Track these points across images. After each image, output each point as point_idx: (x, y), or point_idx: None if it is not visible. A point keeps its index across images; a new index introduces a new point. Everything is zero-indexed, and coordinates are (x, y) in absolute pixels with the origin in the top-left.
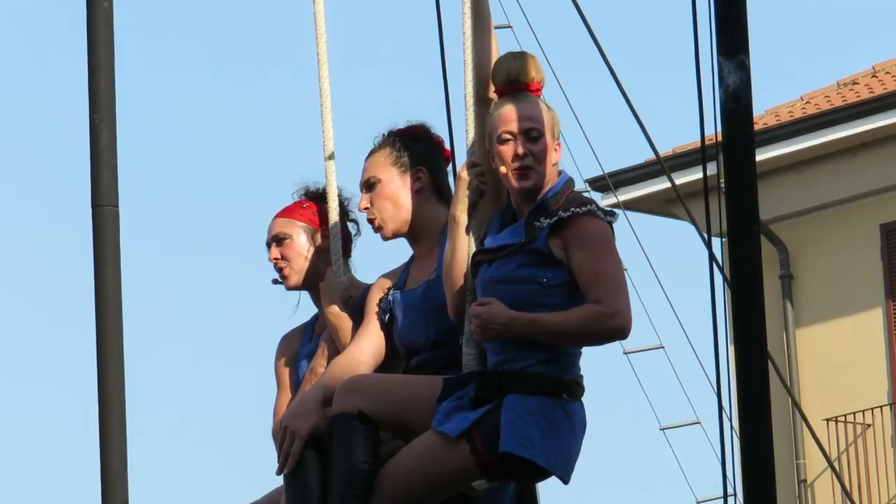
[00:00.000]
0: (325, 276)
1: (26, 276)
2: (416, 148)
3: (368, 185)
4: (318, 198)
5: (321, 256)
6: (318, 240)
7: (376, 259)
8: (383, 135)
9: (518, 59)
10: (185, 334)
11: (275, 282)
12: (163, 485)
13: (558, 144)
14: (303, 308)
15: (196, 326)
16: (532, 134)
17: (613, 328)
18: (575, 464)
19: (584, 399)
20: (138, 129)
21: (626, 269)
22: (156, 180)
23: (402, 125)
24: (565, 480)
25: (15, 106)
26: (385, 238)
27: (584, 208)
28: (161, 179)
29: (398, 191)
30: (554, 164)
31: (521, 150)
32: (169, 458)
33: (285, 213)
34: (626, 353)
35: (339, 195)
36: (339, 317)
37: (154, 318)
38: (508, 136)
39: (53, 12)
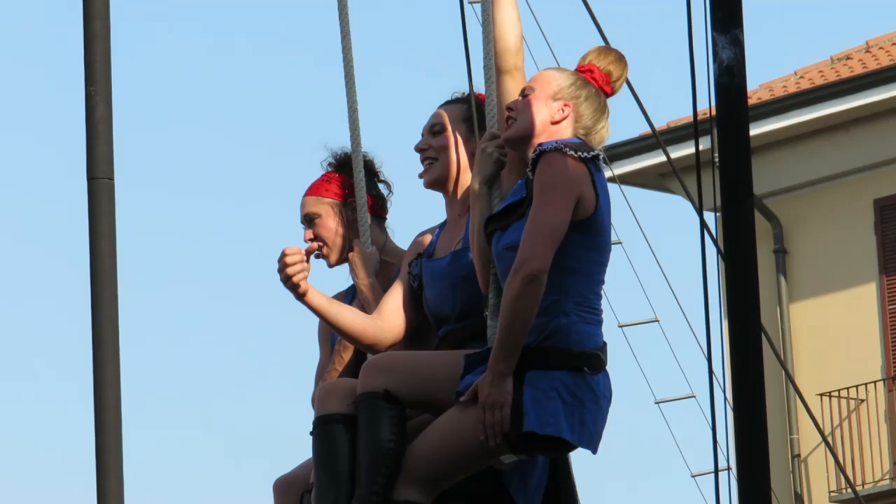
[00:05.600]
0: (354, 247)
1: (21, 248)
2: (483, 117)
3: (434, 131)
4: (343, 166)
5: (354, 228)
6: (348, 213)
7: (413, 218)
8: (464, 93)
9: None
10: (181, 309)
11: (317, 256)
12: (158, 466)
13: (564, 105)
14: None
15: (194, 299)
16: (524, 92)
17: (523, 283)
18: (601, 435)
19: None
20: (134, 102)
21: (620, 243)
22: (152, 153)
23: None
24: (593, 451)
25: (10, 78)
26: (426, 183)
27: (552, 145)
28: (157, 152)
29: (457, 145)
30: (554, 123)
31: (510, 104)
32: (164, 441)
33: (312, 190)
34: (620, 327)
35: (364, 157)
36: (370, 288)
37: (150, 290)
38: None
39: None
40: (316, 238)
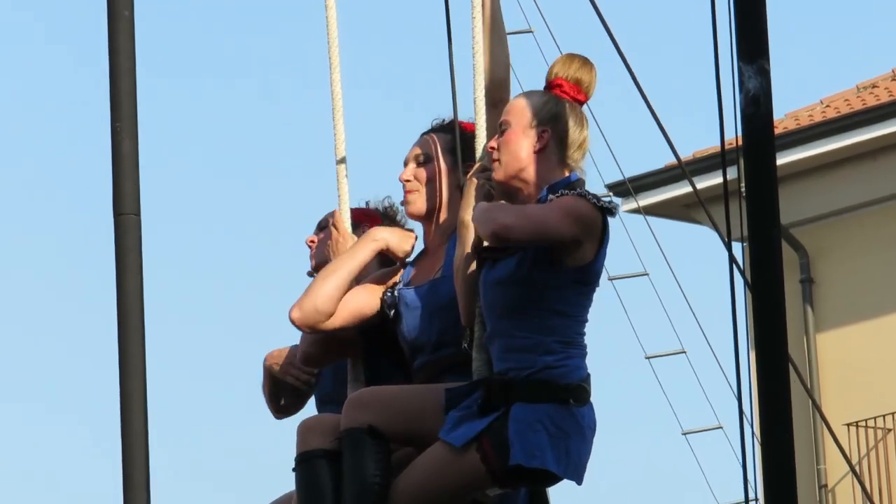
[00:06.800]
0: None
1: (48, 284)
2: (467, 146)
3: (419, 160)
4: (384, 215)
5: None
6: None
7: None
8: (445, 120)
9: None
10: (208, 345)
11: (310, 274)
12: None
13: (543, 132)
14: None
15: (220, 336)
16: (501, 126)
17: (489, 232)
18: (586, 465)
19: (594, 401)
20: (160, 137)
21: (646, 274)
22: (179, 188)
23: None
24: (578, 482)
25: (37, 114)
26: (409, 215)
27: (572, 192)
28: (184, 187)
29: (444, 176)
30: (537, 152)
31: (491, 143)
32: (193, 469)
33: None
34: (647, 358)
35: (392, 207)
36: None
37: (177, 327)
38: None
39: (74, 21)
40: (317, 241)
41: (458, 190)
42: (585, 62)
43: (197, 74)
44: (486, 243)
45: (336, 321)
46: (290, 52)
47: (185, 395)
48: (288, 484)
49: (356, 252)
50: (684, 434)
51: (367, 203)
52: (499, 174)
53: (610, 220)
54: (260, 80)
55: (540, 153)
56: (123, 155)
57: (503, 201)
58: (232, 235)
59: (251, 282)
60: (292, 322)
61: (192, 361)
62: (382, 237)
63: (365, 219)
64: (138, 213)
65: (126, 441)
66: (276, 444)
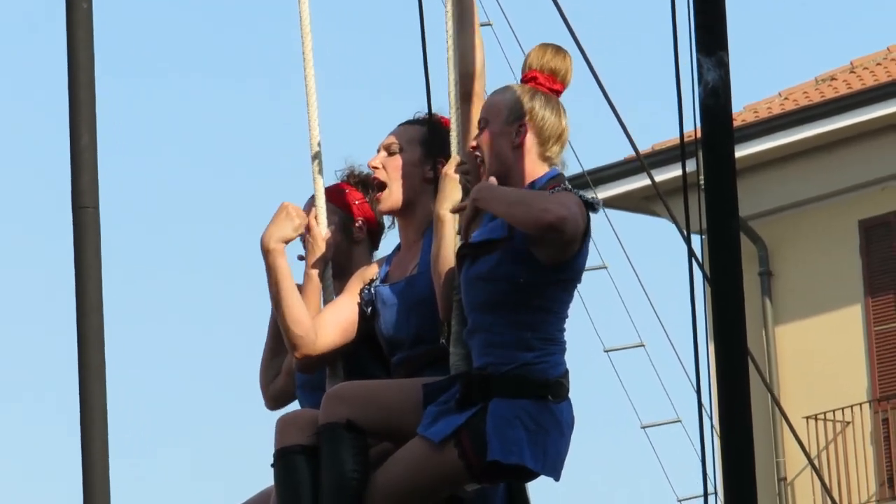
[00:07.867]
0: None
1: (5, 278)
2: (441, 140)
3: (390, 150)
4: (362, 184)
5: (351, 246)
6: (352, 230)
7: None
8: (425, 114)
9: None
10: (168, 338)
11: (301, 258)
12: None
13: (520, 126)
14: None
15: (179, 329)
16: (480, 124)
17: (544, 218)
18: (564, 461)
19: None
20: (118, 131)
21: (605, 267)
22: (137, 181)
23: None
24: (556, 479)
25: None
26: (381, 208)
27: (559, 188)
28: (142, 181)
29: (414, 168)
30: (515, 149)
31: (471, 143)
32: (151, 473)
33: (326, 192)
34: (606, 352)
35: (357, 172)
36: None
37: (136, 320)
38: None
39: (32, 14)
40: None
41: (429, 184)
42: (559, 50)
43: (157, 67)
44: (462, 240)
45: (329, 339)
46: (257, 44)
47: (145, 387)
48: (267, 480)
49: (274, 275)
50: (643, 428)
51: (347, 177)
52: (491, 178)
53: (592, 215)
54: (223, 72)
55: (520, 149)
56: (81, 148)
57: (520, 189)
58: (193, 228)
59: (212, 274)
60: (300, 360)
61: (153, 355)
62: (276, 239)
63: (341, 200)
64: (97, 206)
65: (85, 437)
66: (242, 441)
